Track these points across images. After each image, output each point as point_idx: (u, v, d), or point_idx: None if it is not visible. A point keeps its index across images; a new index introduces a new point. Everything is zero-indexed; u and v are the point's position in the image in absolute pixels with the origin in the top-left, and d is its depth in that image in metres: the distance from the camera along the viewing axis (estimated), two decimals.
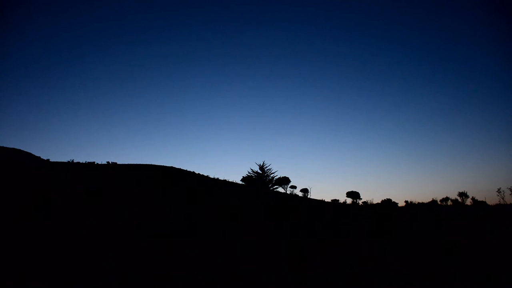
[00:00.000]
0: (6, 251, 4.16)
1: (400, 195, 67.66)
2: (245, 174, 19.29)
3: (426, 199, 27.23)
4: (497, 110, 50.71)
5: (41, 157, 18.75)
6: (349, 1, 53.78)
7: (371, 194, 63.78)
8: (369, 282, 3.70)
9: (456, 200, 17.10)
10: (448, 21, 51.50)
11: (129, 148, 59.04)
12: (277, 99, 60.98)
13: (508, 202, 12.88)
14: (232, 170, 58.54)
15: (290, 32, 57.03)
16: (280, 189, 19.76)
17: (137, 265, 3.99)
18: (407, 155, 58.61)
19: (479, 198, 16.17)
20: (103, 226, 5.74)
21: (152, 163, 18.73)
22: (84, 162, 18.30)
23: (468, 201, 16.72)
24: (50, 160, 18.02)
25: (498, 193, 13.16)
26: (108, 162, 18.94)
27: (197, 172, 18.63)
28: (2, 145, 18.96)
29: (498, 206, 12.95)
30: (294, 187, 20.70)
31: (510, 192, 12.76)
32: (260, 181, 17.68)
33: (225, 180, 17.84)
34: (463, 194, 17.05)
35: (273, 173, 19.35)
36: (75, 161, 18.30)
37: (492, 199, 21.84)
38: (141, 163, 18.64)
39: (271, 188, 18.52)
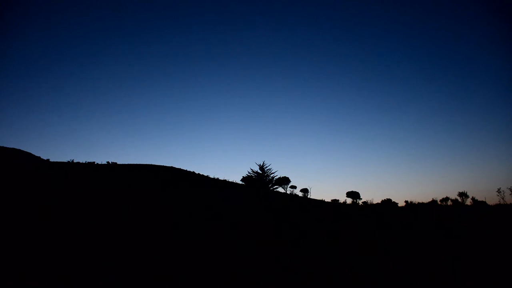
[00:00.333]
0: (6, 251, 4.16)
1: (400, 195, 67.66)
2: (245, 174, 19.30)
3: (426, 199, 27.23)
4: (497, 110, 50.71)
5: (41, 157, 18.75)
6: (349, 1, 53.79)
7: (371, 194, 63.78)
8: (369, 282, 3.71)
9: (456, 200, 17.11)
10: (448, 21, 51.51)
11: (129, 148, 59.04)
12: (277, 99, 60.99)
13: (508, 202, 12.88)
14: (232, 170, 58.53)
15: (291, 32, 57.05)
16: (280, 189, 19.77)
17: (138, 265, 3.99)
18: (407, 155, 58.61)
19: (479, 198, 16.19)
20: (103, 226, 5.75)
21: (152, 163, 18.74)
22: (84, 162, 18.31)
23: (468, 201, 16.73)
24: (50, 160, 18.03)
25: (498, 193, 13.16)
26: (108, 162, 18.95)
27: (197, 172, 18.63)
28: (2, 145, 18.97)
29: (498, 206, 12.96)
30: (294, 187, 20.70)
31: (510, 192, 12.77)
32: (260, 181, 17.68)
33: (225, 180, 17.85)
34: (463, 194, 17.06)
35: (273, 173, 19.33)
36: (75, 161, 18.31)
37: (492, 199, 21.84)
38: (141, 163, 18.65)
39: (271, 188, 18.52)
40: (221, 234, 5.99)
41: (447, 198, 17.74)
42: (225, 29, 55.91)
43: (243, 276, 3.65)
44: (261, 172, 18.83)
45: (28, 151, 19.37)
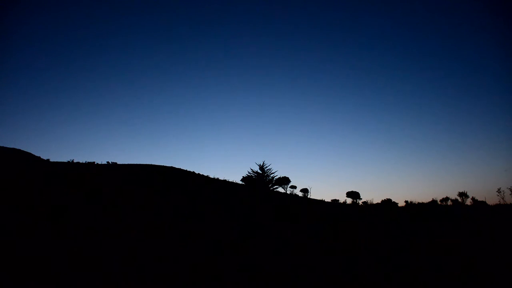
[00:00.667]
0: (6, 251, 4.16)
1: (400, 195, 67.63)
2: (245, 174, 19.31)
3: (426, 199, 27.23)
4: (497, 110, 50.71)
5: (41, 157, 18.74)
6: (349, 1, 53.79)
7: (371, 194, 63.78)
8: (369, 282, 3.71)
9: (456, 200, 17.11)
10: (447, 21, 51.50)
11: (129, 148, 59.01)
12: (277, 99, 60.96)
13: (508, 202, 12.88)
14: (232, 170, 58.48)
15: (291, 32, 57.03)
16: (280, 189, 19.76)
17: (138, 264, 3.98)
18: (407, 155, 58.62)
19: (479, 198, 16.18)
20: (103, 226, 5.74)
21: (152, 163, 18.73)
22: (84, 162, 18.31)
23: (468, 201, 16.73)
24: (50, 160, 18.02)
25: (498, 193, 13.16)
26: (108, 162, 18.95)
27: (197, 172, 18.63)
28: (2, 145, 18.96)
29: (498, 206, 12.95)
30: (294, 187, 20.69)
31: (510, 192, 12.77)
32: (260, 181, 17.66)
33: (225, 180, 17.84)
34: (463, 194, 17.06)
35: (273, 173, 19.34)
36: (75, 161, 18.30)
37: (492, 199, 21.83)
38: (141, 163, 18.65)
39: (271, 188, 18.50)
40: (221, 234, 6.00)
41: (447, 198, 17.74)
42: (225, 29, 55.89)
43: (245, 274, 3.66)
44: (261, 172, 18.83)
45: (28, 151, 19.37)
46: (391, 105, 57.81)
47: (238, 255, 4.68)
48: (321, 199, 18.31)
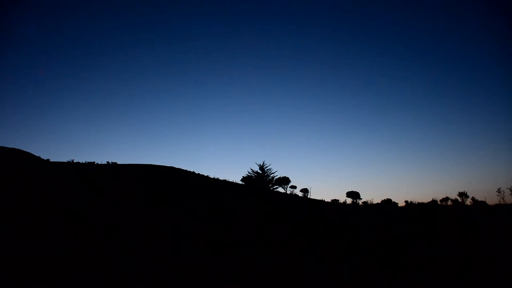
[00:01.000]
0: (6, 251, 4.16)
1: (400, 195, 67.61)
2: (245, 174, 19.29)
3: (426, 199, 27.22)
4: (498, 110, 50.69)
5: (41, 157, 18.74)
6: (349, 1, 53.77)
7: (371, 194, 63.78)
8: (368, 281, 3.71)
9: (456, 200, 17.10)
10: (447, 20, 51.47)
11: (129, 148, 58.98)
12: (277, 99, 60.95)
13: (508, 202, 12.88)
14: (232, 170, 58.45)
15: (291, 32, 57.01)
16: (280, 189, 19.75)
17: (138, 264, 3.98)
18: (407, 155, 58.61)
19: (479, 198, 16.18)
20: (103, 226, 5.74)
21: (152, 163, 18.73)
22: (84, 162, 18.31)
23: (468, 201, 16.72)
24: (50, 160, 18.02)
25: (498, 193, 13.16)
26: (108, 162, 18.95)
27: (197, 172, 18.62)
28: (2, 145, 18.96)
29: (498, 206, 12.95)
30: (294, 187, 20.68)
31: (510, 192, 12.77)
32: (260, 181, 17.66)
33: (225, 180, 17.84)
34: (463, 194, 17.06)
35: (273, 173, 19.31)
36: (75, 161, 18.30)
37: (492, 199, 21.84)
38: (141, 163, 18.64)
39: (271, 188, 18.50)
40: (220, 234, 6.00)
41: (447, 198, 17.73)
42: (225, 28, 55.87)
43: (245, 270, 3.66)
44: (261, 172, 18.82)
45: (28, 151, 19.37)
46: (391, 105, 57.81)
47: (235, 255, 4.68)
48: (321, 199, 18.31)
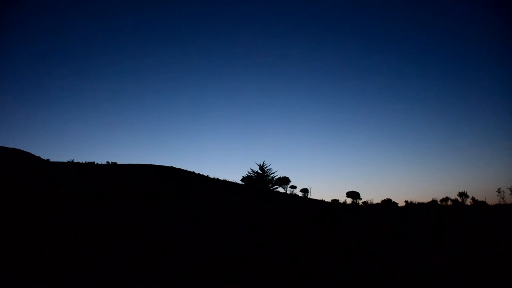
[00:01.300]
0: (6, 251, 4.15)
1: (400, 195, 67.57)
2: (245, 174, 19.29)
3: (426, 199, 27.21)
4: (498, 110, 50.66)
5: (41, 157, 18.74)
6: (349, 1, 53.74)
7: (371, 194, 63.76)
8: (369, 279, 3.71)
9: (456, 200, 17.10)
10: (447, 20, 51.46)
11: (129, 148, 58.94)
12: (277, 99, 60.94)
13: (508, 202, 12.88)
14: (232, 170, 58.41)
15: (290, 32, 57.00)
16: (280, 189, 19.75)
17: (137, 264, 3.98)
18: (407, 155, 58.57)
19: (479, 198, 16.17)
20: (104, 225, 5.74)
21: (152, 163, 18.73)
22: (84, 162, 18.31)
23: (468, 201, 16.72)
24: (50, 160, 18.02)
25: (498, 193, 13.17)
26: (108, 162, 18.95)
27: (197, 172, 18.62)
28: (2, 145, 18.97)
29: (498, 206, 12.95)
30: (294, 187, 20.67)
31: (510, 192, 12.77)
32: (260, 181, 17.65)
33: (225, 180, 17.83)
34: (463, 194, 17.06)
35: (273, 173, 19.34)
36: (75, 161, 18.30)
37: (492, 199, 21.84)
38: (141, 163, 18.64)
39: (271, 188, 18.48)
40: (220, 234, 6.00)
41: (447, 198, 17.73)
42: (225, 28, 55.85)
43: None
44: (261, 172, 18.81)
45: (28, 151, 19.37)
46: (391, 105, 57.75)
47: (235, 255, 4.68)
48: (321, 199, 18.31)
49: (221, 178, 18.46)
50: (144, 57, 56.46)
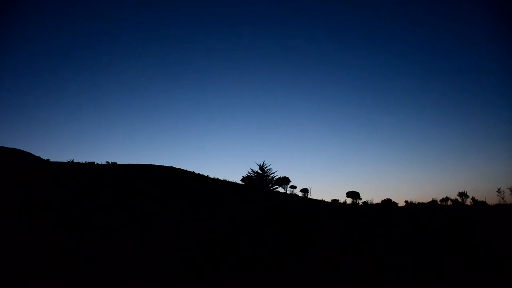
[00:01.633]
0: (6, 251, 4.15)
1: (400, 195, 67.60)
2: (245, 174, 19.29)
3: (426, 199, 27.21)
4: (498, 110, 50.68)
5: (41, 157, 18.74)
6: (349, 1, 53.78)
7: (371, 194, 63.77)
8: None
9: (456, 200, 17.09)
10: (447, 20, 51.48)
11: (129, 148, 58.99)
12: (277, 99, 60.97)
13: (508, 202, 12.88)
14: (232, 170, 58.43)
15: (291, 32, 57.04)
16: (280, 189, 19.75)
17: (137, 264, 3.98)
18: (407, 155, 58.61)
19: (479, 198, 16.17)
20: (105, 225, 5.74)
21: (152, 163, 18.73)
22: (84, 162, 18.31)
23: (468, 201, 16.71)
24: (50, 160, 18.02)
25: (498, 193, 13.16)
26: (108, 162, 18.95)
27: (197, 172, 18.62)
28: (2, 145, 18.96)
29: (498, 206, 12.95)
30: (294, 187, 20.67)
31: (510, 192, 12.77)
32: (260, 181, 17.64)
33: (225, 180, 17.83)
34: (463, 194, 17.05)
35: (273, 173, 19.33)
36: (75, 161, 18.31)
37: (492, 199, 21.84)
38: (141, 163, 18.64)
39: (271, 188, 18.47)
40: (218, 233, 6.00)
41: (447, 198, 17.72)
42: (224, 28, 55.90)
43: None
44: (261, 172, 18.81)
45: (28, 151, 19.37)
46: (391, 105, 57.79)
47: (233, 254, 4.68)
48: (321, 199, 18.31)
49: (221, 178, 18.47)
50: (144, 57, 56.51)
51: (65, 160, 18.08)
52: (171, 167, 18.68)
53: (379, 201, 19.22)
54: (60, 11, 51.70)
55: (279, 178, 19.74)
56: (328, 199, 23.18)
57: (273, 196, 14.16)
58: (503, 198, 12.96)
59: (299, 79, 59.04)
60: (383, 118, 58.26)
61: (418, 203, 17.15)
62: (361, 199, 19.81)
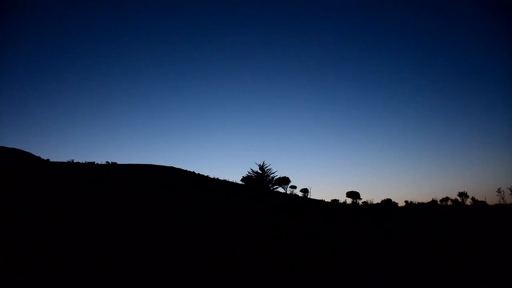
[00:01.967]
0: (6, 250, 4.16)
1: (400, 195, 67.59)
2: (245, 174, 19.29)
3: (426, 199, 27.21)
4: (498, 110, 50.67)
5: (41, 157, 18.72)
6: (349, 1, 53.76)
7: (371, 194, 63.75)
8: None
9: (456, 200, 17.10)
10: (447, 19, 51.48)
11: (129, 148, 58.97)
12: (277, 99, 60.96)
13: (508, 202, 12.89)
14: (232, 170, 58.42)
15: (291, 32, 57.02)
16: (280, 189, 19.75)
17: (137, 263, 3.98)
18: (407, 155, 58.58)
19: (479, 198, 16.17)
20: (106, 226, 5.74)
21: (152, 163, 18.73)
22: (84, 162, 18.30)
23: (468, 201, 16.72)
24: (50, 160, 18.02)
25: (498, 193, 13.17)
26: (108, 162, 18.94)
27: (197, 172, 18.62)
28: (2, 145, 18.95)
29: (498, 206, 12.96)
30: (294, 187, 20.67)
31: (510, 192, 12.78)
32: (260, 181, 17.64)
33: (225, 180, 17.83)
34: (463, 194, 17.05)
35: (273, 173, 19.33)
36: (75, 161, 18.31)
37: (492, 199, 21.86)
38: (141, 163, 18.64)
39: (271, 188, 18.47)
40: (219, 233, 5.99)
41: (447, 198, 17.72)
42: (225, 29, 55.89)
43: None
44: (261, 172, 18.80)
45: (28, 151, 19.36)
46: (391, 105, 57.76)
47: (234, 255, 4.69)
48: (321, 199, 18.31)
49: (221, 178, 18.47)
50: (144, 57, 56.49)
51: (65, 160, 18.08)
52: (171, 167, 18.68)
53: (379, 201, 19.23)
54: (60, 11, 51.67)
55: (279, 178, 19.74)
56: (328, 199, 23.19)
57: (272, 196, 14.17)
58: (503, 198, 12.97)
59: (299, 79, 59.03)
60: (383, 118, 58.25)
61: (418, 203, 17.16)
62: (361, 199, 19.81)
